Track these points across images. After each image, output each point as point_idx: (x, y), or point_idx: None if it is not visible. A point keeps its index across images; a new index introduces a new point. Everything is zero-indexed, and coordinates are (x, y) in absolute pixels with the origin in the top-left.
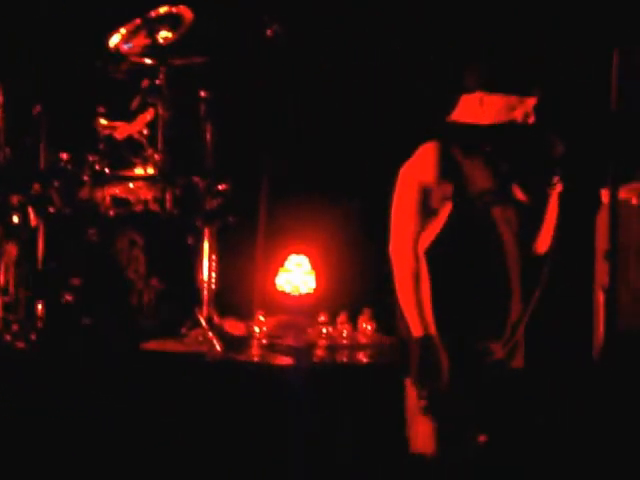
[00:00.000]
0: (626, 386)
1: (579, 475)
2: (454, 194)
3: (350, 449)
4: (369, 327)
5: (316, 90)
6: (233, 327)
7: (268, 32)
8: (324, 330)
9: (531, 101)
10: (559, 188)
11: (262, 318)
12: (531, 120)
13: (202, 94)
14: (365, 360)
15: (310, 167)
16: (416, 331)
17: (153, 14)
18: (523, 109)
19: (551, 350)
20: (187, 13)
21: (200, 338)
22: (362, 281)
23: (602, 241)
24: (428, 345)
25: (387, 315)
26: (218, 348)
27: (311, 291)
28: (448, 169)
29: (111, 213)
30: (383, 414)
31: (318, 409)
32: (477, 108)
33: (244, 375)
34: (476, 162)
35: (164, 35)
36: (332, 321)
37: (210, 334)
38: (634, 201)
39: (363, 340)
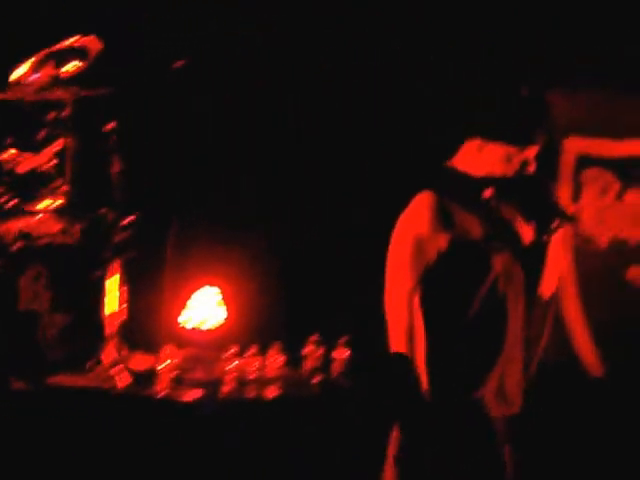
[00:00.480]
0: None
1: None
2: (450, 245)
3: None
4: (279, 360)
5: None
6: (140, 361)
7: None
8: (233, 363)
9: (532, 151)
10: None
11: (170, 351)
12: (531, 169)
13: (110, 125)
14: (275, 394)
15: (220, 199)
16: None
17: (61, 45)
18: (521, 158)
19: None
20: (95, 44)
21: (104, 373)
22: (272, 314)
23: None
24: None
25: (297, 348)
26: (119, 384)
27: (221, 323)
28: (443, 219)
29: (16, 246)
30: (292, 448)
31: (225, 443)
32: (475, 155)
33: (148, 411)
34: (472, 211)
35: (72, 66)
36: (241, 354)
37: (112, 370)
38: None
39: (272, 373)
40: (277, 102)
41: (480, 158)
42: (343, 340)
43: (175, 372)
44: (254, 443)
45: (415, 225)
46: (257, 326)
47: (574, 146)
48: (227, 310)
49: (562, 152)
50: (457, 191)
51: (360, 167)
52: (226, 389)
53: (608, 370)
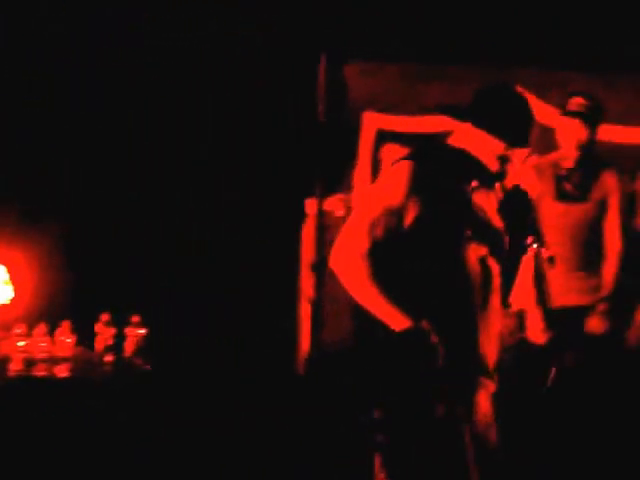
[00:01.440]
0: (330, 397)
1: None
2: (418, 213)
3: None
4: (68, 340)
5: None
6: None
7: None
8: (21, 343)
9: (519, 153)
10: (532, 250)
11: None
12: (511, 170)
13: None
14: (65, 374)
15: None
16: (400, 324)
17: None
18: (506, 156)
19: (256, 362)
20: None
21: None
22: (61, 293)
23: (308, 253)
24: (420, 331)
25: (87, 328)
26: None
27: (7, 303)
28: (417, 187)
29: None
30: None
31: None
32: (471, 138)
33: None
34: (453, 193)
35: None
36: (30, 333)
37: None
38: (339, 213)
39: (63, 353)
40: None
41: (475, 143)
42: (136, 319)
43: None
44: (44, 422)
45: (386, 192)
46: (45, 305)
47: (372, 121)
48: (14, 289)
49: (362, 127)
50: (445, 167)
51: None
52: (14, 368)
53: None
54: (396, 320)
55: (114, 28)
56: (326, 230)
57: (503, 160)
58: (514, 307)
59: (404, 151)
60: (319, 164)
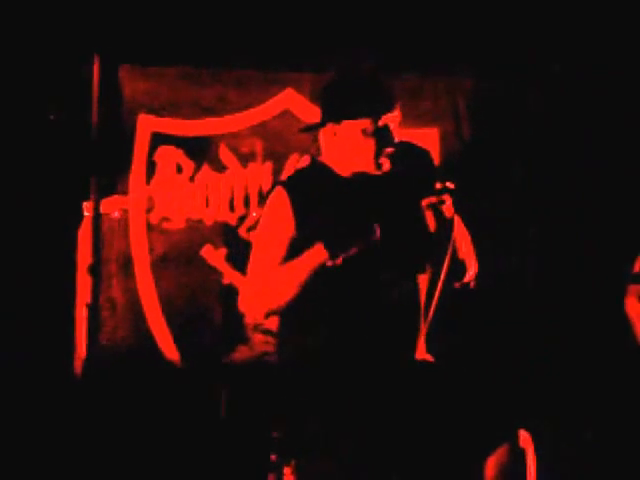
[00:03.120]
0: (107, 397)
1: None
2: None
3: None
4: None
5: None
6: None
7: None
8: None
9: (387, 118)
10: (448, 202)
11: None
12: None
13: None
14: None
15: None
16: (319, 254)
17: None
18: (376, 129)
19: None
20: None
21: None
22: None
23: (84, 255)
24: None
25: None
26: None
27: None
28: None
29: None
30: None
31: None
32: (334, 141)
33: None
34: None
35: None
36: None
37: None
38: (115, 215)
39: None
40: None
41: (339, 142)
42: None
43: None
44: None
45: (272, 216)
46: None
47: (147, 124)
48: None
49: (136, 130)
50: (318, 185)
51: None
52: None
53: (183, 354)
54: (313, 256)
55: None
56: (102, 232)
57: (379, 131)
58: None
59: (179, 153)
60: (95, 166)
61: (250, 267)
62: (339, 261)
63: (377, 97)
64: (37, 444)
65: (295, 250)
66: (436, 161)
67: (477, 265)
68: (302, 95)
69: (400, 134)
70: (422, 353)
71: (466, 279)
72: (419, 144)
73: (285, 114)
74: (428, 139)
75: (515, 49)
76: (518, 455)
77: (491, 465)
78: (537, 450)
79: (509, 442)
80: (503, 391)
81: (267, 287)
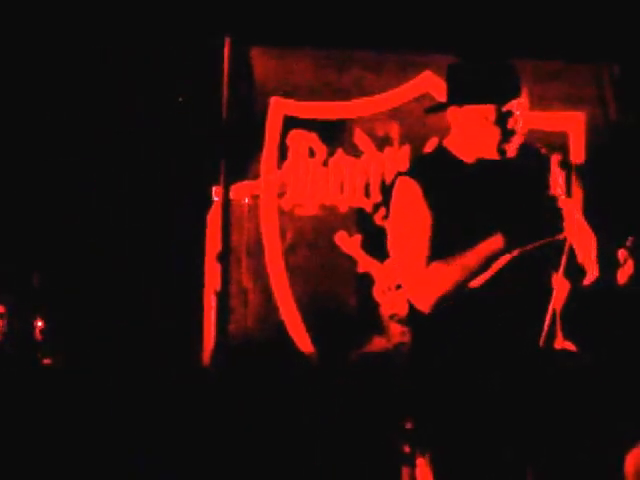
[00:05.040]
0: (237, 389)
1: None
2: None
3: None
4: None
5: None
6: None
7: None
8: None
9: (513, 105)
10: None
11: None
12: (514, 126)
13: None
14: None
15: None
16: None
17: None
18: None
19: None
20: None
21: None
22: None
23: (213, 242)
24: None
25: None
26: None
27: None
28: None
29: None
30: None
31: None
32: (457, 124)
33: None
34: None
35: None
36: None
37: None
38: (246, 201)
39: None
40: None
41: (460, 125)
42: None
43: None
44: None
45: (403, 208)
46: None
47: (279, 107)
48: None
49: (268, 113)
50: (444, 172)
51: None
52: None
53: (316, 344)
54: (491, 244)
55: None
56: (232, 218)
57: (503, 118)
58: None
59: (312, 137)
60: (225, 150)
61: (400, 261)
62: (515, 253)
63: (503, 83)
64: (166, 433)
65: (437, 238)
66: (581, 145)
67: (597, 270)
68: (442, 78)
69: (544, 116)
70: (561, 342)
71: (585, 282)
72: (544, 149)
73: (424, 97)
74: (574, 122)
75: None
76: None
77: (631, 461)
78: None
79: None
80: None
81: (437, 277)
